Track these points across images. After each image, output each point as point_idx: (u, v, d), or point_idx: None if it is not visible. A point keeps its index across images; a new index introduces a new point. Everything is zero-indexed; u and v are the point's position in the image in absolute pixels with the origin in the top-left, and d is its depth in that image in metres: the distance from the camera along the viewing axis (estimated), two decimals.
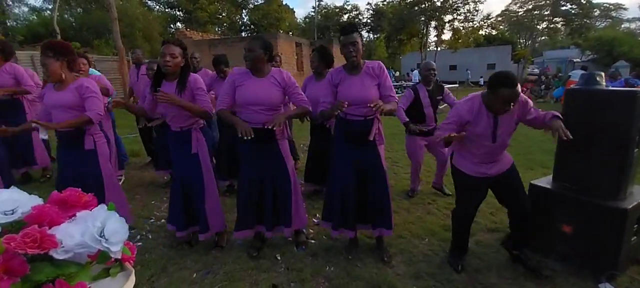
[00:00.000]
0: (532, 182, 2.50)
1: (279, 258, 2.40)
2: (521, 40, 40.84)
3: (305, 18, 39.25)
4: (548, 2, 27.01)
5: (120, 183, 3.55)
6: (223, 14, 32.84)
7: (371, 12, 31.84)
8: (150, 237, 2.72)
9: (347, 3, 37.14)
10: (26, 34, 24.74)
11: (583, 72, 9.67)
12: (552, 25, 28.45)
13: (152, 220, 2.99)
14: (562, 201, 2.30)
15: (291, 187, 2.34)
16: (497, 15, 37.35)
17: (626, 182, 2.12)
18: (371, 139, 2.21)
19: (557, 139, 2.43)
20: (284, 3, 37.00)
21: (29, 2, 28.47)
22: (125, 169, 4.24)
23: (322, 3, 36.54)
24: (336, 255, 2.43)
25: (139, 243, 2.60)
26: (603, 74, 2.30)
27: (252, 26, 33.73)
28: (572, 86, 2.29)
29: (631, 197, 2.19)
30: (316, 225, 2.91)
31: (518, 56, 29.49)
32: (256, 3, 34.66)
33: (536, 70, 28.45)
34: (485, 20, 36.35)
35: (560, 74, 12.35)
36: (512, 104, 1.85)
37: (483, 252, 2.47)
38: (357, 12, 34.49)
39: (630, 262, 2.23)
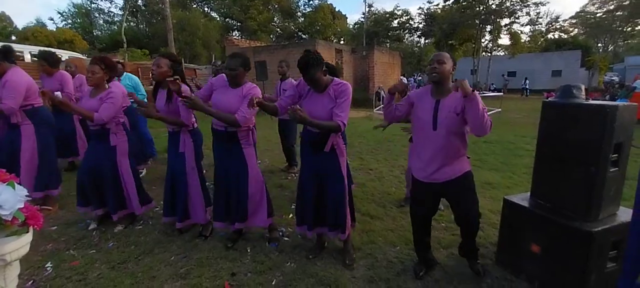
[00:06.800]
0: (506, 197, 2.41)
1: (249, 250, 2.61)
2: (599, 44, 36.40)
3: (355, 24, 39.22)
4: (631, 1, 23.89)
5: (141, 176, 4.02)
6: (274, 22, 34.44)
7: (423, 16, 30.79)
8: (150, 223, 3.11)
9: (398, 8, 36.28)
10: (108, 41, 28.57)
11: None
12: (630, 28, 25.09)
13: (157, 209, 3.39)
14: (532, 219, 2.19)
15: (248, 189, 2.53)
16: (571, 17, 33.92)
17: (598, 203, 1.96)
18: (327, 150, 2.28)
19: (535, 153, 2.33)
20: (337, 10, 37.60)
21: (111, 15, 32.78)
22: (152, 164, 4.78)
23: (372, 9, 36.29)
24: (300, 253, 2.57)
25: (140, 227, 3.01)
26: (583, 86, 2.15)
27: (299, 33, 34.77)
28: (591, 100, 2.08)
29: (609, 219, 2.01)
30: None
31: (589, 63, 26.39)
32: (305, 11, 35.75)
33: (615, 78, 25.08)
34: (552, 24, 33.18)
35: (626, 84, 10.89)
36: (436, 64, 2.01)
37: (450, 265, 2.43)
38: (408, 16, 33.57)
39: None
